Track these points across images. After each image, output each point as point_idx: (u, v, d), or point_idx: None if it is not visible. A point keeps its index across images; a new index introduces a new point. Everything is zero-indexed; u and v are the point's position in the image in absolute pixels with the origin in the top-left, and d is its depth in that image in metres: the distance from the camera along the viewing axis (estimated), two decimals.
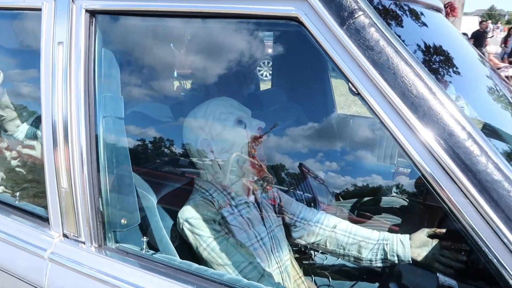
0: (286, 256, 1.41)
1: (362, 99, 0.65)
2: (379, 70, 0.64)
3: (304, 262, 1.74)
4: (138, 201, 1.19)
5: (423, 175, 0.61)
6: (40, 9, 0.99)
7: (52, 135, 0.96)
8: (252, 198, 1.39)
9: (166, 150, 1.45)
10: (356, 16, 0.66)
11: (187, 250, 1.21)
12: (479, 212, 0.57)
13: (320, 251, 1.72)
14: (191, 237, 1.20)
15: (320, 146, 2.34)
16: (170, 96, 1.58)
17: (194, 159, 1.34)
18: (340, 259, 1.63)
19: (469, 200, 0.57)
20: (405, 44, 0.66)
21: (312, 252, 1.79)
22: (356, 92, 0.66)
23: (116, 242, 0.97)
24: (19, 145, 1.39)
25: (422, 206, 2.15)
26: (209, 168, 1.32)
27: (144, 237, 0.97)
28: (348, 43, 0.66)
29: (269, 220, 1.38)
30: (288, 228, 1.51)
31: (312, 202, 1.89)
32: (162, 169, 1.42)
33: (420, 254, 1.35)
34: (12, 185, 1.37)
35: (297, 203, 1.54)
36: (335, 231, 1.47)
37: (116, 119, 0.98)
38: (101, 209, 0.94)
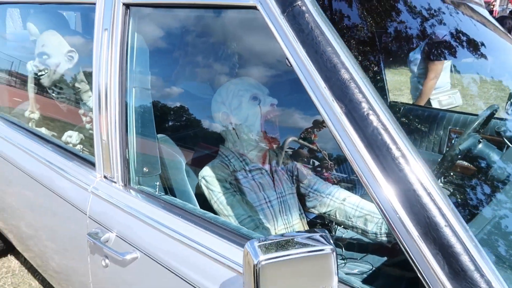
0: (296, 220, 1.59)
1: (294, 71, 0.81)
2: (306, 48, 0.79)
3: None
4: (167, 158, 1.47)
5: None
6: (94, 4, 1.30)
7: (98, 101, 1.27)
8: (267, 166, 1.58)
9: (200, 121, 1.71)
10: (294, 5, 0.82)
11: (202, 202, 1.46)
12: None
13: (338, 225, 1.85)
14: (206, 191, 1.44)
15: None
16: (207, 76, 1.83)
17: (218, 130, 1.57)
18: (351, 231, 1.74)
19: None
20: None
21: (333, 226, 1.92)
22: (289, 65, 0.82)
23: (139, 184, 1.26)
24: (90, 112, 1.77)
25: None
26: (229, 137, 1.55)
27: (157, 182, 1.24)
28: (286, 26, 0.82)
29: (280, 187, 1.57)
30: (303, 198, 1.67)
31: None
32: (196, 137, 1.69)
33: None
34: (85, 141, 1.76)
35: (314, 177, 1.69)
36: (344, 203, 1.60)
37: (143, 90, 1.26)
38: (127, 158, 1.23)
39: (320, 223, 1.92)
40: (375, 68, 2.63)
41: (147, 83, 1.28)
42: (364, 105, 0.72)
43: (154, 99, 1.59)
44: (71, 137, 1.85)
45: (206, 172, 1.45)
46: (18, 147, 1.69)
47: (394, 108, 2.69)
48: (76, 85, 1.77)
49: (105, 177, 1.30)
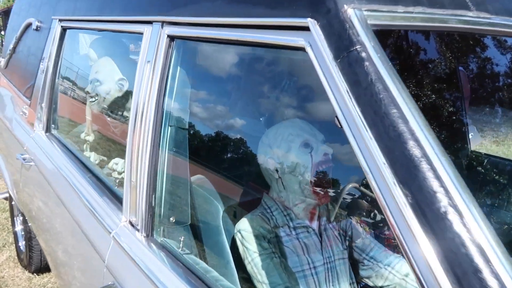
0: None
1: (345, 134, 0.62)
2: (361, 106, 0.59)
3: None
4: (202, 203, 1.32)
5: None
6: (142, 33, 1.22)
7: (132, 137, 1.16)
8: (315, 224, 1.36)
9: (244, 163, 1.55)
10: (351, 49, 0.63)
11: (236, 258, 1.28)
12: None
13: None
14: (240, 248, 1.26)
15: None
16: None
17: (264, 176, 1.40)
18: None
19: None
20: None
21: None
22: (340, 127, 0.62)
23: (163, 236, 1.11)
24: None
25: None
26: (275, 186, 1.36)
27: (182, 237, 1.08)
28: (339, 76, 0.63)
29: (329, 250, 1.34)
30: (356, 265, 1.42)
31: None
32: (238, 181, 1.53)
33: None
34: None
35: (370, 239, 1.44)
36: (407, 280, 1.32)
37: (179, 129, 1.13)
38: (153, 205, 1.09)
39: None
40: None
41: (184, 122, 1.15)
42: (441, 197, 0.50)
43: (195, 134, 1.46)
44: (117, 165, 1.78)
45: (243, 225, 1.28)
46: (60, 170, 1.65)
47: (477, 160, 2.32)
48: (125, 113, 1.72)
49: (130, 223, 1.18)
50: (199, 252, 1.16)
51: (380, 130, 0.57)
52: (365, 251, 1.40)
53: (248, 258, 1.22)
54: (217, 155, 1.67)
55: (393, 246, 1.83)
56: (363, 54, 0.61)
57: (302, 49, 0.71)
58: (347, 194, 1.71)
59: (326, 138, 1.31)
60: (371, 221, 1.85)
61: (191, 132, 1.22)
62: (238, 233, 1.27)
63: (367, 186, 1.89)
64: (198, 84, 1.30)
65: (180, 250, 1.07)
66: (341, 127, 0.62)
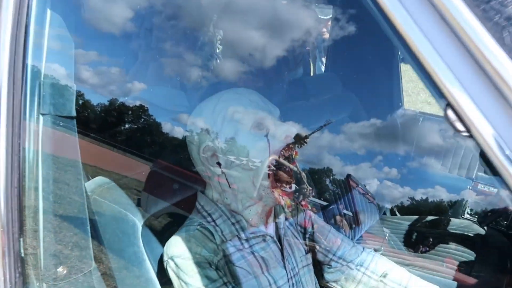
0: None
1: None
2: None
3: None
4: (110, 225, 0.88)
5: None
6: None
7: None
8: (271, 228, 1.02)
9: (166, 155, 1.12)
10: None
11: None
12: None
13: None
14: (176, 283, 0.87)
15: (377, 148, 1.90)
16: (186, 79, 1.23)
17: (199, 170, 0.99)
18: None
19: None
20: None
21: None
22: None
23: None
24: None
25: (507, 239, 1.66)
26: (216, 185, 0.97)
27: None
28: None
29: (292, 260, 1.02)
30: (319, 267, 1.13)
31: (354, 223, 1.50)
32: (156, 179, 1.10)
33: None
34: None
35: (336, 234, 1.16)
36: (385, 281, 1.08)
37: (60, 119, 0.65)
38: (22, 253, 0.63)
39: None
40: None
41: (68, 105, 0.68)
42: None
43: (89, 119, 0.99)
44: None
45: (176, 248, 0.88)
46: None
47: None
48: None
49: None
50: None
51: None
52: (331, 251, 1.11)
53: None
54: (127, 144, 1.21)
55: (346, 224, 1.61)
56: None
57: None
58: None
59: (284, 114, 0.95)
60: (289, 191, 1.60)
61: (84, 115, 0.75)
62: (171, 262, 0.87)
63: (285, 157, 1.62)
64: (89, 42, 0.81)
65: None
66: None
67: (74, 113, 0.66)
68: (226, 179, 0.94)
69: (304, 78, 1.90)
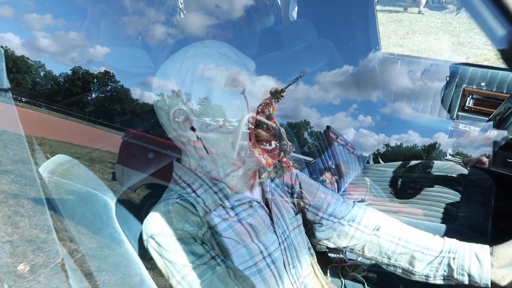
0: (307, 269, 1.00)
1: None
2: None
3: (330, 255, 1.34)
4: (76, 208, 0.79)
5: None
6: None
7: None
8: (257, 192, 0.95)
9: (138, 120, 1.01)
10: None
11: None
12: None
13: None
14: (159, 262, 0.79)
15: (357, 95, 1.83)
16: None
17: (172, 138, 0.89)
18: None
19: None
20: None
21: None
22: None
23: None
24: None
25: (490, 177, 1.66)
26: (193, 152, 0.88)
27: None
28: None
29: (282, 224, 0.96)
30: (310, 226, 1.08)
31: (339, 176, 1.46)
32: (129, 150, 0.99)
33: (506, 277, 0.92)
34: None
35: (325, 191, 1.09)
36: (378, 234, 1.04)
37: None
38: None
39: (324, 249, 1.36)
40: None
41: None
42: None
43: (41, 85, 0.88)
44: None
45: (156, 225, 0.79)
46: None
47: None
48: None
49: None
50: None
51: None
52: (322, 209, 1.05)
53: (176, 276, 0.77)
54: (96, 115, 1.09)
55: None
56: None
57: None
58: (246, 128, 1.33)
59: (258, 67, 0.84)
60: (269, 148, 1.53)
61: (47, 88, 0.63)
62: (151, 241, 0.79)
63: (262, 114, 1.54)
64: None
65: None
66: None
67: (6, 85, 0.54)
68: (203, 144, 0.85)
69: (277, 27, 1.77)
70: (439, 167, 1.84)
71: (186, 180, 0.88)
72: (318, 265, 1.10)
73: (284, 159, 1.38)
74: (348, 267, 1.31)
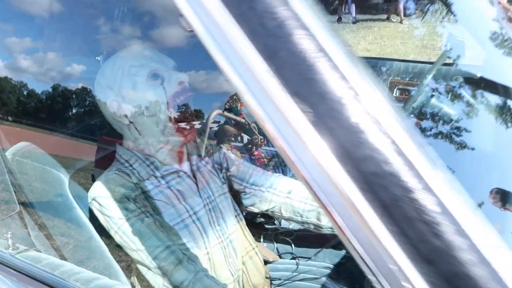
0: (232, 228, 1.23)
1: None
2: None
3: (266, 227, 1.57)
4: (37, 181, 1.01)
5: None
6: None
7: None
8: (185, 165, 1.18)
9: (84, 114, 1.24)
10: None
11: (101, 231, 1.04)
12: None
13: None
14: (101, 219, 1.02)
15: None
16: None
17: (111, 125, 1.12)
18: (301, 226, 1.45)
19: None
20: None
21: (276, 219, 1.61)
22: (189, 30, 0.41)
23: None
24: None
25: None
26: (128, 134, 1.11)
27: (9, 233, 0.78)
28: None
29: (207, 190, 1.19)
30: (238, 195, 1.32)
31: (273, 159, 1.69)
32: (79, 136, 1.22)
33: None
34: None
35: (248, 166, 1.34)
36: (290, 197, 1.27)
37: None
38: None
39: (261, 220, 1.59)
40: None
41: None
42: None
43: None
44: None
45: (98, 190, 1.02)
46: None
47: None
48: None
49: None
50: (43, 243, 0.88)
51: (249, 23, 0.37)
52: (245, 179, 1.29)
53: (113, 227, 0.99)
54: (47, 110, 1.30)
55: (265, 164, 1.80)
56: None
57: None
58: (212, 123, 1.55)
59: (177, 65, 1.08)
60: (240, 145, 1.77)
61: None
62: (94, 202, 1.01)
63: (229, 110, 1.77)
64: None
65: (10, 250, 0.77)
66: (191, 31, 0.41)
67: None
68: (135, 127, 1.08)
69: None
70: None
71: (125, 158, 1.11)
72: (247, 228, 1.33)
73: (256, 152, 1.67)
74: (280, 233, 1.54)
